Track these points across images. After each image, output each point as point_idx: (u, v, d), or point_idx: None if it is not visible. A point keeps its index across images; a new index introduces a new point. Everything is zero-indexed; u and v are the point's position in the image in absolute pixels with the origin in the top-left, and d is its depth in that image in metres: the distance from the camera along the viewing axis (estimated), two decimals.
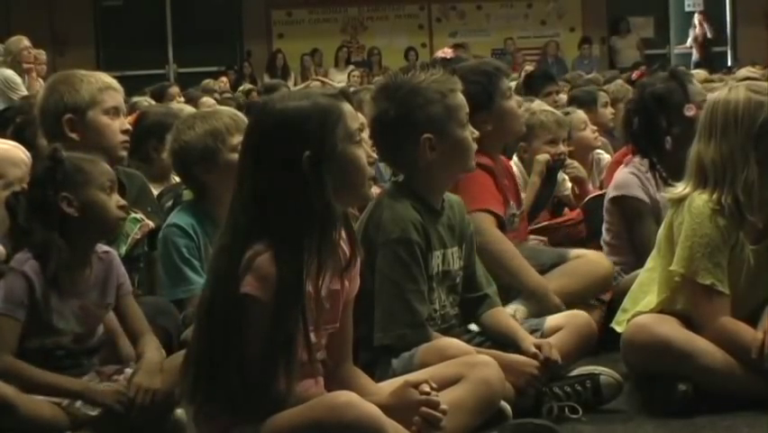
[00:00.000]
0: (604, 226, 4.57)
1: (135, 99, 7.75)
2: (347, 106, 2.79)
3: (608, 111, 6.84)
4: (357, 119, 2.82)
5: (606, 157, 6.11)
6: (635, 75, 11.02)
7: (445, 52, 8.30)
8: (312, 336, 2.76)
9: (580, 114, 6.01)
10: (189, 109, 6.07)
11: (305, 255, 2.68)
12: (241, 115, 4.10)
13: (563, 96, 7.20)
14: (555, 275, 4.09)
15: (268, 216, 2.68)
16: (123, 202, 3.32)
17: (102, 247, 3.35)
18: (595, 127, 6.06)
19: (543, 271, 4.08)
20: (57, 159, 3.26)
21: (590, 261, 4.20)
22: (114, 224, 3.32)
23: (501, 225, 4.11)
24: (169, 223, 3.89)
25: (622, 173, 4.51)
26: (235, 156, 3.79)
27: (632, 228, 4.41)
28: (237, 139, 3.84)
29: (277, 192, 2.69)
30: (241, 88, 13.66)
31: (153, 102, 7.76)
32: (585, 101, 6.61)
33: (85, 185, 3.24)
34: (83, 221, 3.23)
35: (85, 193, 3.24)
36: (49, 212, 3.22)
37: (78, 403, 3.16)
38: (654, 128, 4.36)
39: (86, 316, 3.27)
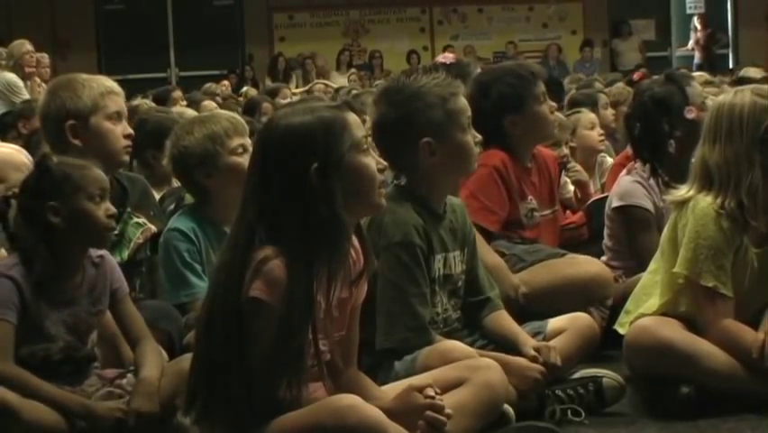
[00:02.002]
0: (605, 231, 4.54)
1: (136, 102, 7.74)
2: (351, 116, 2.81)
3: (609, 112, 6.83)
4: (362, 128, 2.83)
5: (608, 160, 6.11)
6: (636, 76, 11.01)
7: (446, 57, 8.27)
8: (320, 344, 2.77)
9: (590, 115, 6.01)
10: (191, 113, 6.06)
11: (315, 267, 2.69)
12: (239, 117, 4.10)
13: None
14: (535, 268, 4.00)
15: (278, 229, 2.69)
16: (112, 211, 3.27)
17: (96, 252, 3.32)
18: (602, 131, 6.05)
19: (526, 266, 4.01)
20: (44, 167, 3.23)
21: (575, 262, 4.09)
22: (102, 233, 3.26)
23: (516, 223, 4.12)
24: (170, 227, 3.89)
25: (625, 182, 4.47)
26: (235, 159, 3.81)
27: (635, 237, 4.37)
28: (236, 142, 3.85)
29: (286, 207, 2.70)
30: (243, 90, 13.67)
31: (154, 104, 7.74)
32: (585, 103, 6.60)
33: (72, 194, 3.20)
34: (69, 231, 3.19)
35: (72, 203, 3.20)
36: (35, 220, 3.20)
37: None
38: (657, 133, 4.35)
39: (77, 324, 3.25)
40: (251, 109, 8.20)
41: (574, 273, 3.99)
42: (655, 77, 5.03)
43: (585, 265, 4.06)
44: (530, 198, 4.22)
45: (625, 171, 4.58)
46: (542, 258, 4.05)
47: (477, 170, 3.83)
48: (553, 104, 4.50)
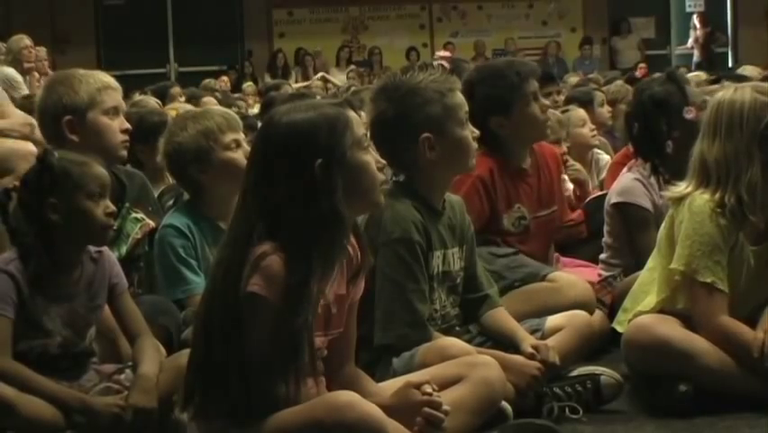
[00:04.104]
0: (605, 229, 4.53)
1: (139, 98, 7.73)
2: (353, 114, 2.81)
3: (606, 110, 6.83)
4: (362, 126, 2.84)
5: (605, 157, 6.11)
6: (639, 73, 11.01)
7: (445, 62, 8.28)
8: (318, 340, 2.78)
9: (580, 111, 6.01)
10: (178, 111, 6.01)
11: (314, 262, 2.69)
12: (232, 113, 4.09)
13: (563, 97, 7.17)
14: (513, 295, 3.86)
15: (277, 224, 2.69)
16: (111, 209, 3.26)
17: (95, 247, 3.31)
18: (593, 126, 6.04)
19: (508, 288, 3.88)
20: (46, 163, 3.22)
21: (555, 288, 3.95)
22: (100, 232, 3.25)
23: (500, 232, 4.08)
24: (165, 224, 3.88)
25: (625, 179, 4.45)
26: (229, 154, 3.81)
27: (633, 235, 4.34)
28: (230, 137, 3.85)
29: (288, 203, 2.70)
30: (245, 86, 13.64)
31: (153, 99, 7.72)
32: (582, 101, 6.60)
33: (72, 192, 3.19)
34: (67, 228, 3.19)
35: (71, 200, 3.19)
36: (34, 216, 3.19)
37: None
38: (655, 132, 4.33)
39: (75, 319, 3.24)
40: (269, 106, 8.09)
41: (553, 302, 3.85)
42: (656, 74, 5.02)
43: (565, 292, 3.93)
44: (517, 205, 4.15)
45: (626, 169, 4.57)
46: (522, 277, 3.95)
47: (461, 178, 3.81)
48: (546, 102, 4.42)
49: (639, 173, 4.39)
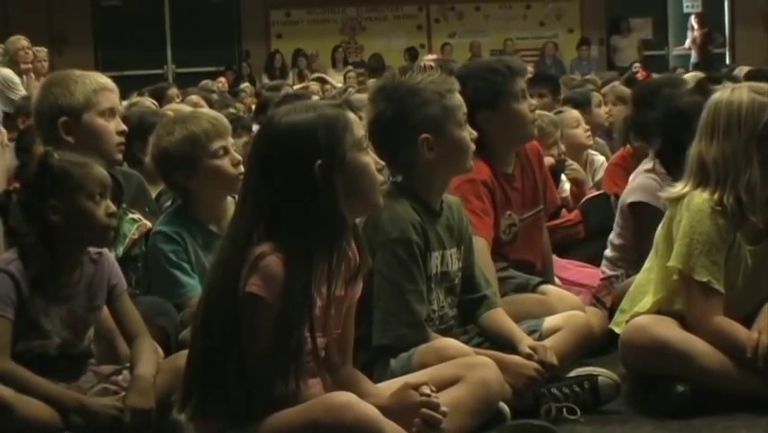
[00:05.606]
0: (615, 228, 4.45)
1: (135, 99, 7.71)
2: (352, 115, 2.82)
3: (603, 111, 6.81)
4: (362, 127, 2.85)
5: (599, 158, 6.08)
6: (640, 75, 10.95)
7: (433, 63, 8.29)
8: (319, 341, 2.77)
9: (573, 112, 5.97)
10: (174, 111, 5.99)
11: (315, 264, 2.70)
12: (222, 118, 4.02)
13: (547, 100, 7.00)
14: (502, 303, 3.73)
15: (277, 225, 2.69)
16: (112, 209, 3.26)
17: (94, 248, 3.31)
18: (587, 127, 6.01)
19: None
20: (47, 164, 3.22)
21: (543, 301, 3.89)
22: (101, 232, 3.25)
23: (495, 242, 4.03)
24: (154, 231, 3.87)
25: (643, 178, 4.34)
26: (215, 162, 3.79)
27: (643, 236, 4.28)
28: (217, 144, 3.81)
29: (288, 204, 2.70)
30: (242, 86, 13.61)
31: (154, 101, 7.71)
32: (579, 102, 6.57)
33: (73, 193, 3.19)
34: (68, 229, 3.19)
35: (72, 201, 3.19)
36: (34, 217, 3.19)
37: None
38: (679, 145, 4.22)
39: (73, 321, 3.25)
40: (263, 107, 8.07)
41: (542, 314, 3.78)
42: (657, 76, 4.92)
43: (554, 305, 3.86)
44: (508, 212, 4.08)
45: (642, 170, 4.45)
46: (512, 290, 3.91)
47: (464, 185, 3.80)
48: (534, 102, 4.33)
49: (654, 177, 4.29)
